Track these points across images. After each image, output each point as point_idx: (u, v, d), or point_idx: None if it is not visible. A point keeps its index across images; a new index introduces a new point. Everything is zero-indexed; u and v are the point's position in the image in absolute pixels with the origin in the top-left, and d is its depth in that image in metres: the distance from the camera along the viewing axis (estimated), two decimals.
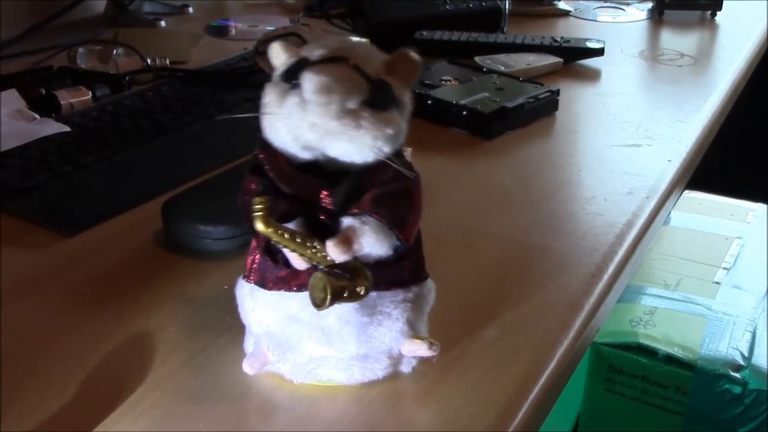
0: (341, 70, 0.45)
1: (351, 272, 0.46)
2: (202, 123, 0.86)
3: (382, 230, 0.46)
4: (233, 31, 1.25)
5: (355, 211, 0.46)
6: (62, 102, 0.91)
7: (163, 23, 1.26)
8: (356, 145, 0.45)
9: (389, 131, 0.45)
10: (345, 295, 0.45)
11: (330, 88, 0.44)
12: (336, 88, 0.44)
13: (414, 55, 0.48)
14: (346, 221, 0.46)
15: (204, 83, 0.98)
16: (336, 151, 0.45)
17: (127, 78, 0.98)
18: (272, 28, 1.13)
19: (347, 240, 0.45)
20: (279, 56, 0.48)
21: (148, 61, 1.03)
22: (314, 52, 0.46)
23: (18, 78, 0.97)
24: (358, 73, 0.45)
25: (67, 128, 0.84)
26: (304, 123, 0.44)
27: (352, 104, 0.44)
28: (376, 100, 0.45)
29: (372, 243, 0.46)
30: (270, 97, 0.46)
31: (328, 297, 0.44)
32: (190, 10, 1.33)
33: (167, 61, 1.05)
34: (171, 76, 1.01)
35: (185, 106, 0.90)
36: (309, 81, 0.44)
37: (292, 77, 0.45)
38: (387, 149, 0.46)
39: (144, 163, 0.79)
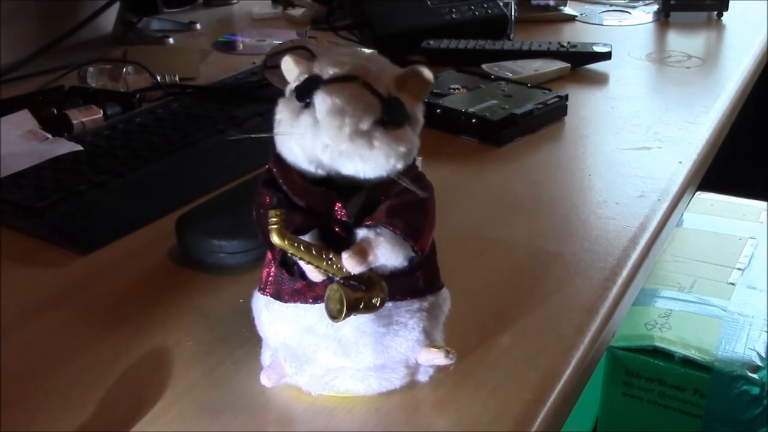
0: (353, 89, 0.45)
1: (366, 283, 0.46)
2: (213, 138, 0.87)
3: (397, 241, 0.46)
4: (241, 46, 1.26)
5: (370, 222, 0.46)
6: (74, 121, 0.91)
7: (171, 40, 1.26)
8: (369, 164, 0.45)
9: (402, 149, 0.46)
10: (360, 306, 0.46)
11: (343, 111, 0.44)
12: (348, 110, 0.44)
13: (426, 71, 0.47)
14: (361, 233, 0.46)
15: (214, 99, 0.98)
16: (349, 170, 0.45)
17: (138, 96, 0.99)
18: (280, 42, 1.13)
19: (362, 251, 0.46)
20: (292, 70, 0.48)
21: (158, 78, 1.04)
22: (326, 70, 0.46)
23: (30, 99, 0.98)
24: (370, 92, 0.45)
25: (79, 147, 0.84)
26: (317, 144, 0.45)
27: (364, 125, 0.44)
28: (388, 118, 0.45)
29: (387, 254, 0.46)
30: (282, 114, 0.47)
31: (344, 309, 0.45)
32: (198, 26, 1.34)
33: (177, 78, 1.05)
34: (181, 92, 1.01)
35: (196, 122, 0.91)
36: (322, 102, 0.44)
37: (304, 96, 0.46)
38: (400, 166, 0.46)
39: (157, 179, 0.79)
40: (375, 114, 0.45)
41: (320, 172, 0.46)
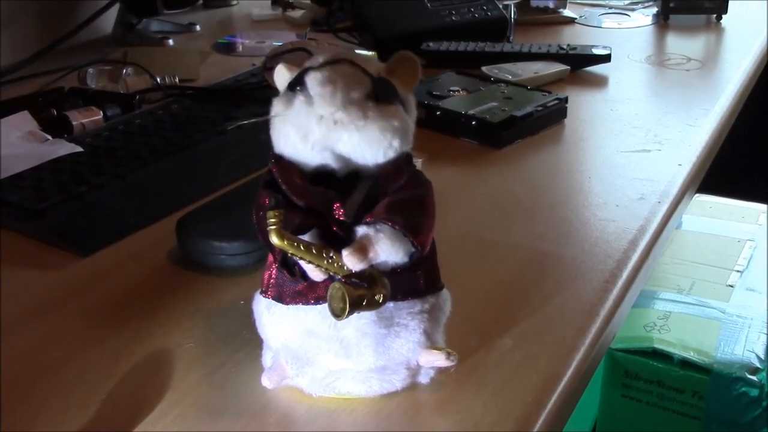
0: (343, 67, 0.46)
1: (368, 281, 0.46)
2: (213, 140, 0.87)
3: (397, 237, 0.46)
4: (240, 48, 1.26)
5: (370, 219, 0.47)
6: (74, 122, 0.91)
7: (171, 42, 1.27)
8: (365, 136, 0.45)
9: (396, 123, 0.46)
10: (363, 303, 0.46)
11: (333, 80, 0.45)
12: (339, 79, 0.45)
13: (412, 55, 0.49)
14: (361, 230, 0.47)
15: (213, 100, 0.98)
16: (345, 145, 0.46)
17: (137, 97, 0.99)
18: (279, 44, 1.13)
19: (363, 248, 0.46)
20: (283, 76, 0.49)
21: (158, 79, 1.04)
22: (316, 60, 0.47)
23: (30, 100, 0.98)
24: (360, 70, 0.46)
25: (79, 148, 0.84)
26: (311, 117, 0.45)
27: (356, 94, 0.45)
28: (380, 94, 0.46)
29: (388, 250, 0.46)
30: (277, 108, 0.48)
31: (347, 306, 0.45)
32: (198, 27, 1.34)
33: (176, 79, 1.06)
34: (180, 94, 1.01)
35: (195, 123, 0.91)
36: (313, 78, 0.45)
37: (296, 84, 0.47)
38: (396, 144, 0.46)
39: (157, 181, 0.79)
40: (366, 87, 0.46)
41: (317, 156, 0.46)
